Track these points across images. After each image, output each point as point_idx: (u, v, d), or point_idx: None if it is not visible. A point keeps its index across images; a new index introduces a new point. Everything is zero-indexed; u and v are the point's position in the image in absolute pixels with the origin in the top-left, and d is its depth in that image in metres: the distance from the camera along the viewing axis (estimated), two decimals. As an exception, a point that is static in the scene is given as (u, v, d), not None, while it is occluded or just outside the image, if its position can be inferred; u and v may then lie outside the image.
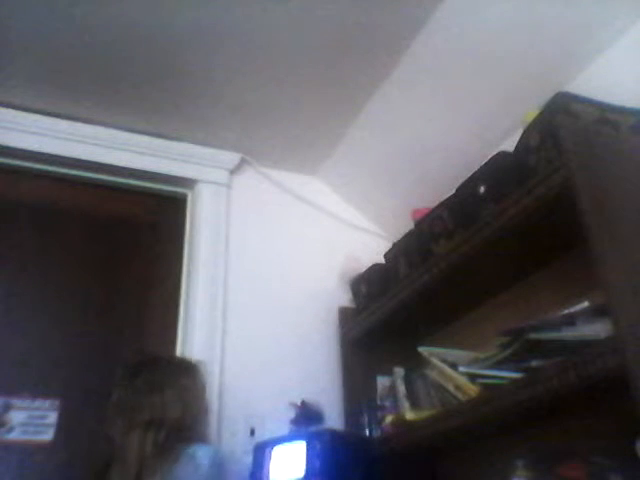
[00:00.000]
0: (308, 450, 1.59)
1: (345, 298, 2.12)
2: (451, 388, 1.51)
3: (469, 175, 1.55)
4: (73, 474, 1.66)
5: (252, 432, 1.85)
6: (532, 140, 1.34)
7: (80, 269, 1.97)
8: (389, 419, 1.75)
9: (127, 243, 2.09)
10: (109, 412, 1.52)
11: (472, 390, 1.43)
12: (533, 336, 1.24)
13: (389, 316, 1.83)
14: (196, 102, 1.98)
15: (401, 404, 1.76)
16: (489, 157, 1.49)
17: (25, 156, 1.97)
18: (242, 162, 2.25)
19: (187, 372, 1.62)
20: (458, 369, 1.51)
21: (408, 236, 1.82)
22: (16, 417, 1.68)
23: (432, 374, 1.62)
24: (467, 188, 1.55)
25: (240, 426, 1.86)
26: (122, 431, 1.47)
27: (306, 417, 1.84)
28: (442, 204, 1.66)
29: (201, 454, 1.43)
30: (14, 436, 1.66)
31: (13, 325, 1.82)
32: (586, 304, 1.20)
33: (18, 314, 1.84)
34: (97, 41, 1.73)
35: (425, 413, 1.61)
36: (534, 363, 1.23)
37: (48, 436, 1.70)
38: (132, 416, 1.48)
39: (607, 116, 1.30)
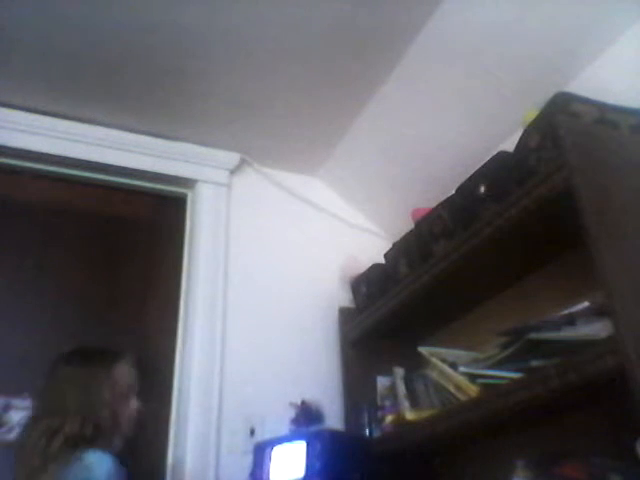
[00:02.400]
0: (308, 450, 1.59)
1: (345, 298, 2.12)
2: (451, 388, 1.51)
3: (469, 175, 1.55)
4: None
5: (252, 432, 1.85)
6: (532, 140, 1.34)
7: (80, 269, 1.97)
8: (389, 419, 1.75)
9: (127, 243, 2.09)
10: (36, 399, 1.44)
11: (472, 390, 1.43)
12: (533, 336, 1.24)
13: (389, 316, 1.83)
14: (196, 102, 1.98)
15: (401, 404, 1.75)
16: (489, 157, 1.49)
17: (25, 156, 1.97)
18: (242, 162, 2.25)
19: (109, 371, 1.46)
20: (458, 369, 1.51)
21: (408, 236, 1.82)
22: (16, 417, 1.68)
23: (432, 374, 1.62)
24: (467, 188, 1.55)
25: (240, 426, 1.86)
26: (29, 424, 1.39)
27: (306, 417, 1.84)
28: (442, 204, 1.65)
29: (93, 459, 1.26)
30: (14, 436, 1.65)
31: (13, 325, 1.81)
32: (586, 304, 1.20)
33: (18, 314, 1.83)
34: (97, 41, 1.73)
35: (425, 413, 1.60)
36: (534, 363, 1.23)
37: (48, 436, 1.70)
38: (36, 415, 1.40)
39: (607, 116, 1.30)
